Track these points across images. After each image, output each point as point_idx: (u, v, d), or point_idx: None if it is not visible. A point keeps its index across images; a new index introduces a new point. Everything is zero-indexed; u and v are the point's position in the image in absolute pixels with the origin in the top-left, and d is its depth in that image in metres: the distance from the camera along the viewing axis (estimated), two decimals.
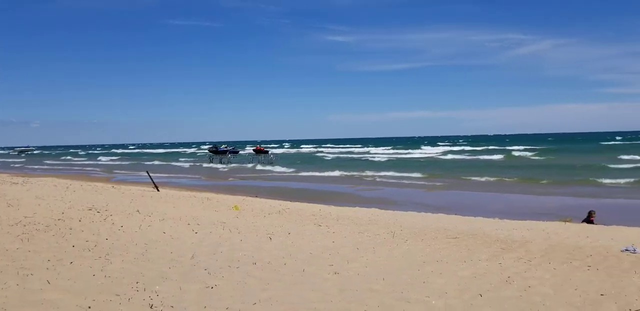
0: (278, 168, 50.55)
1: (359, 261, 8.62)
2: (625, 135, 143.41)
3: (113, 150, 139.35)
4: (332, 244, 10.25)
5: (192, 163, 65.79)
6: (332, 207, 19.17)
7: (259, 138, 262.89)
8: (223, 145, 72.98)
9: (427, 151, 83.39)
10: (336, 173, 41.55)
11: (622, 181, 28.11)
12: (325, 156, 79.84)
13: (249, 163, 60.60)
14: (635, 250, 10.05)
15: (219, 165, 59.31)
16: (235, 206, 16.01)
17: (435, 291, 6.85)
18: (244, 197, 22.07)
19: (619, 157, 49.01)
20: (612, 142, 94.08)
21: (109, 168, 58.95)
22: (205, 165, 61.15)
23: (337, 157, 75.50)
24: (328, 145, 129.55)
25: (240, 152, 74.89)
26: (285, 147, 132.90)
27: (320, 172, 43.81)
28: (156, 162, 72.96)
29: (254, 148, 75.42)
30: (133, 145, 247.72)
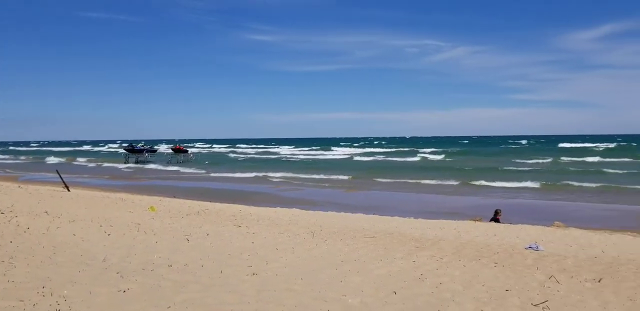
0: (196, 168, 49.51)
1: (278, 262, 8.61)
2: (529, 138, 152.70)
3: (12, 148, 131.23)
4: (251, 245, 10.18)
5: (105, 163, 63.09)
6: (253, 207, 19.05)
7: (175, 137, 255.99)
8: (140, 144, 70.42)
9: (346, 152, 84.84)
10: (253, 173, 41.30)
11: (525, 183, 29.79)
12: (242, 156, 79.34)
13: (167, 162, 58.95)
14: (537, 248, 10.72)
15: (135, 164, 57.24)
16: (151, 207, 15.52)
17: (352, 290, 6.97)
18: (161, 198, 21.45)
19: (517, 161, 52.20)
20: (517, 146, 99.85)
21: (12, 167, 55.33)
22: (120, 164, 58.79)
23: (253, 157, 75.13)
24: (242, 145, 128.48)
25: (158, 151, 72.68)
26: (202, 146, 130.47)
27: (240, 172, 43.36)
28: (63, 160, 69.39)
29: (173, 147, 73.47)
30: (37, 142, 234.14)
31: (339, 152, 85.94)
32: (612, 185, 28.30)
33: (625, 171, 37.13)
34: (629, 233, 13.57)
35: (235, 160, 70.47)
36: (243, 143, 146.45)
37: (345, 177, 36.17)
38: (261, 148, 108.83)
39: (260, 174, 40.39)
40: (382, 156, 69.14)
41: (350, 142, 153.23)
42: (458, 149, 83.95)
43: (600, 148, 75.29)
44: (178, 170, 48.30)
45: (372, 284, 7.38)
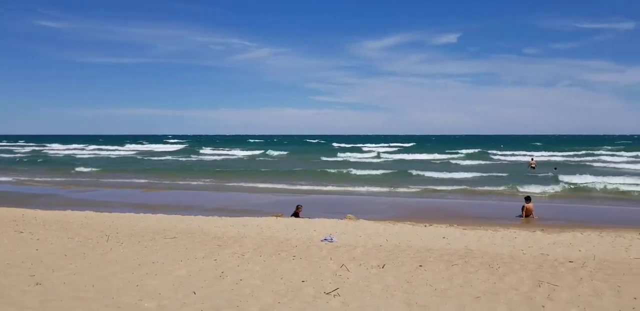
0: None
1: (67, 269, 7.93)
2: (326, 138, 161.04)
3: None
4: (35, 252, 9.21)
5: None
6: (39, 210, 17.20)
7: None
8: None
9: (149, 148, 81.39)
10: (39, 171, 37.33)
11: (318, 180, 31.65)
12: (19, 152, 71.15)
13: None
14: (332, 239, 11.48)
15: None
16: None
17: (149, 293, 6.71)
18: None
19: (326, 159, 55.55)
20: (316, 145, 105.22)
21: None
22: None
23: (35, 155, 67.90)
24: (21, 142, 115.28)
25: None
26: None
27: (24, 171, 38.82)
28: None
29: None
30: None
31: (149, 148, 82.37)
32: (397, 178, 31.49)
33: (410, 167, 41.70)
34: (408, 222, 15.24)
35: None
36: (22, 140, 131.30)
37: (143, 176, 34.51)
38: (30, 146, 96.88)
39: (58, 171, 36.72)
40: (185, 155, 67.55)
41: (158, 139, 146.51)
42: (265, 147, 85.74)
43: (382, 148, 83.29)
44: None
45: (170, 286, 7.20)
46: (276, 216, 16.23)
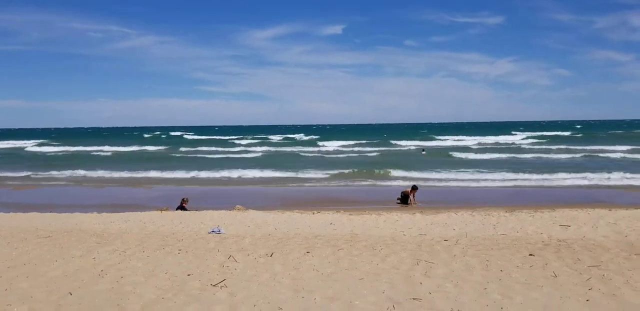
0: None
1: None
2: (196, 130, 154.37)
3: None
4: None
5: None
6: None
7: None
8: None
9: (17, 144, 74.96)
10: None
11: (193, 172, 30.89)
12: None
13: None
14: (219, 231, 11.32)
15: None
16: None
17: (19, 297, 6.22)
18: None
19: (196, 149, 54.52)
20: (191, 137, 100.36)
21: None
22: None
23: None
24: None
25: None
26: None
27: None
28: None
29: None
30: None
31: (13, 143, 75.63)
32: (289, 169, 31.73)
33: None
34: (297, 211, 15.43)
35: None
36: None
37: (16, 174, 31.81)
38: None
39: None
40: (61, 146, 63.05)
41: (27, 133, 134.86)
42: (142, 141, 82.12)
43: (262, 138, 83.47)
44: None
45: (44, 288, 6.72)
46: (161, 210, 15.69)
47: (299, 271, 7.72)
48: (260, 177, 28.10)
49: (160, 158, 43.32)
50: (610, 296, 6.27)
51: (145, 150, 57.27)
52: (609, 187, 22.13)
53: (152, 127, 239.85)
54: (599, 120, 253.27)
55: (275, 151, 52.15)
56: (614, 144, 48.11)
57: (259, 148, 55.43)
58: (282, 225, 12.57)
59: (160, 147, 60.68)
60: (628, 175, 24.86)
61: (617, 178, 24.14)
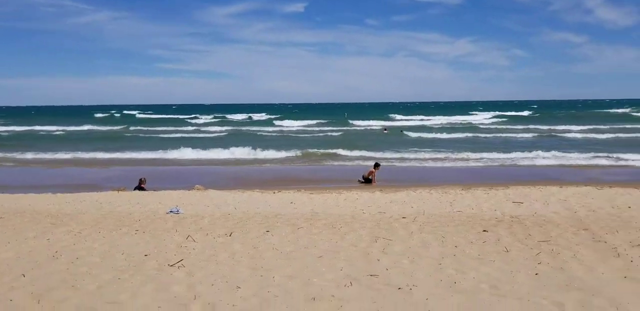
0: None
1: None
2: (154, 108, 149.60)
3: None
4: None
5: None
6: None
7: None
8: None
9: None
10: None
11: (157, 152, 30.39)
12: None
13: None
14: (178, 211, 11.21)
15: None
16: None
17: None
18: None
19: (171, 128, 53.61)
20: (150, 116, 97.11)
21: None
22: None
23: None
24: None
25: None
26: None
27: None
28: None
29: None
30: None
31: None
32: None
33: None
34: (257, 190, 15.38)
35: None
36: None
37: None
38: None
39: None
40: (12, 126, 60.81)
41: None
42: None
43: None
44: None
45: None
46: (118, 190, 15.41)
47: (258, 250, 7.74)
48: (220, 157, 27.85)
49: (115, 138, 42.39)
50: (558, 269, 6.53)
51: (98, 129, 55.64)
52: (561, 165, 22.84)
53: (107, 105, 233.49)
54: (554, 100, 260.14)
55: (236, 130, 51.69)
56: (568, 124, 49.59)
57: (219, 128, 54.81)
58: (242, 204, 12.54)
59: (114, 127, 59.00)
60: (578, 153, 25.72)
61: (568, 156, 24.94)
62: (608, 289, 5.74)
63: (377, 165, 18.45)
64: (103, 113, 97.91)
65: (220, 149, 30.15)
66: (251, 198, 13.69)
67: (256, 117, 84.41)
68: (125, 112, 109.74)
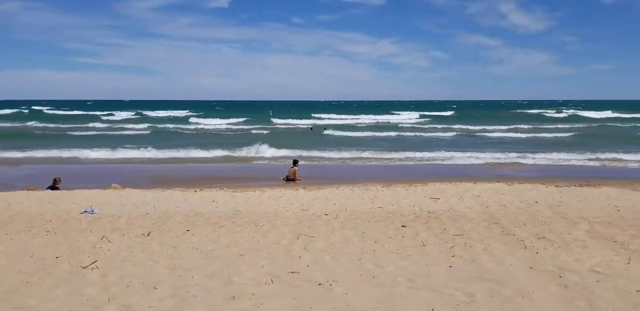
0: None
1: None
2: (68, 104, 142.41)
3: None
4: None
5: None
6: None
7: None
8: None
9: None
10: None
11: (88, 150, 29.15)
12: None
13: None
14: (93, 211, 10.75)
15: None
16: None
17: None
18: None
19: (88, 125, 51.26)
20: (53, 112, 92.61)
21: None
22: None
23: None
24: None
25: None
26: None
27: None
28: None
29: None
30: None
31: None
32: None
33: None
34: (178, 188, 15.02)
35: None
36: None
37: None
38: None
39: None
40: None
41: None
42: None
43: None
44: None
45: None
46: (28, 189, 14.54)
47: (177, 249, 7.58)
48: (139, 155, 26.94)
49: (24, 136, 39.93)
50: (470, 262, 6.84)
51: (4, 126, 52.23)
52: (477, 163, 23.90)
53: (15, 100, 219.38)
54: (472, 101, 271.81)
55: (156, 128, 50.08)
56: (485, 124, 51.88)
57: (137, 125, 52.80)
58: (162, 203, 12.21)
59: (22, 123, 55.70)
60: (493, 152, 27.04)
61: (483, 155, 26.14)
62: (515, 279, 6.08)
63: (295, 162, 18.51)
64: (10, 109, 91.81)
65: (138, 147, 29.15)
66: (171, 197, 13.35)
67: (178, 113, 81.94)
68: (34, 107, 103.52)
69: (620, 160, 23.92)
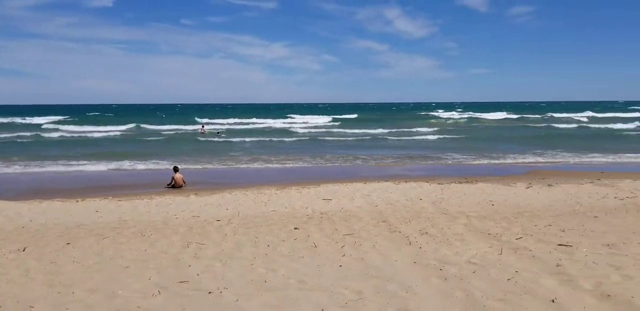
0: None
1: None
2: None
3: None
4: None
5: None
6: None
7: None
8: None
9: None
10: None
11: None
12: None
13: None
14: None
15: None
16: None
17: None
18: None
19: None
20: None
21: None
22: None
23: None
24: None
25: None
26: None
27: None
28: None
29: None
30: None
31: None
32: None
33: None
34: (57, 199, 14.05)
35: None
36: None
37: None
38: None
39: None
40: None
41: None
42: None
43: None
44: None
45: None
46: None
47: (57, 264, 7.10)
48: (11, 162, 24.89)
49: None
50: (359, 260, 7.05)
51: None
52: (372, 164, 24.71)
53: None
54: (363, 103, 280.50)
55: (32, 134, 46.46)
56: (380, 127, 53.57)
57: (6, 134, 48.06)
58: (40, 215, 11.38)
59: None
60: (387, 153, 28.10)
61: (376, 155, 27.08)
62: (400, 274, 6.35)
63: (175, 169, 17.91)
64: None
65: (10, 156, 26.92)
66: (50, 208, 12.48)
67: (57, 118, 76.61)
68: None
69: (498, 157, 25.90)
